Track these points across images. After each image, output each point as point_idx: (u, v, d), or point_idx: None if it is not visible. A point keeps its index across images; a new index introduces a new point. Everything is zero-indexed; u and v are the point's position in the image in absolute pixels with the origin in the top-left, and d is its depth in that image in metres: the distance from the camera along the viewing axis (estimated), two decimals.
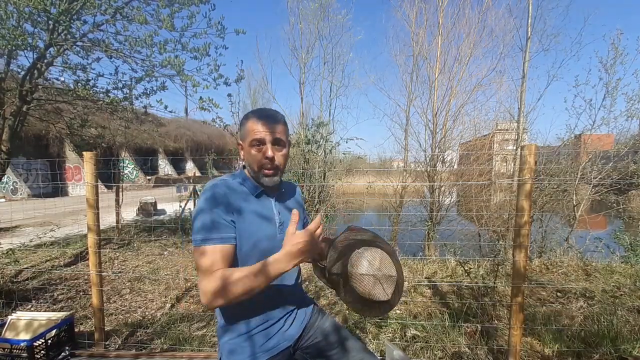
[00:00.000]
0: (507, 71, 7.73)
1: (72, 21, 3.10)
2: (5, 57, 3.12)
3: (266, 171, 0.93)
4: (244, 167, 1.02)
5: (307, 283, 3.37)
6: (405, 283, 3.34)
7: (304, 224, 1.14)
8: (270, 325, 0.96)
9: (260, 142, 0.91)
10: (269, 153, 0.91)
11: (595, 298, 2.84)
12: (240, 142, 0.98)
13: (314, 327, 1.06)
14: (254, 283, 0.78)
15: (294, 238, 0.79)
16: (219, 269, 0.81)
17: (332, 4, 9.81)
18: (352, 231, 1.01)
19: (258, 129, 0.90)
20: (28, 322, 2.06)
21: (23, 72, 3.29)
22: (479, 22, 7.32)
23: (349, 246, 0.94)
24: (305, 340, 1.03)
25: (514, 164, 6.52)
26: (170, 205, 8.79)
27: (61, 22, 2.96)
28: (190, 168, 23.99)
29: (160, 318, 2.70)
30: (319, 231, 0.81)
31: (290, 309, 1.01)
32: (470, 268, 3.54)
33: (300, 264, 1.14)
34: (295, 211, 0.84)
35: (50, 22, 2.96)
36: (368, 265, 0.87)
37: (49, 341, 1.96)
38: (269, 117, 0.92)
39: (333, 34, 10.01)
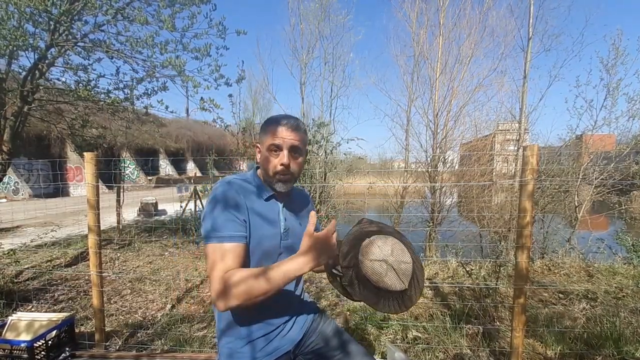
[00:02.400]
0: (509, 71, 7.69)
1: (73, 22, 3.11)
2: (7, 57, 3.13)
3: (280, 176, 0.93)
4: (257, 168, 1.02)
5: (307, 284, 3.36)
6: None
7: None
8: (271, 330, 0.95)
9: (278, 148, 0.91)
10: (285, 160, 0.91)
11: (598, 299, 2.83)
12: (258, 145, 0.98)
13: (315, 331, 1.05)
14: (268, 285, 0.75)
15: (312, 239, 0.78)
16: (231, 269, 0.79)
17: (333, 5, 9.81)
18: (364, 224, 1.00)
19: (277, 135, 0.91)
20: (29, 322, 2.06)
21: (24, 73, 3.29)
22: (480, 23, 7.31)
23: (360, 237, 0.92)
24: (306, 344, 1.03)
25: (516, 165, 6.51)
26: (171, 205, 8.80)
27: (62, 22, 2.97)
28: (191, 168, 24.02)
29: (160, 319, 2.69)
30: (335, 235, 0.81)
31: (291, 312, 1.01)
32: (472, 269, 3.53)
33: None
34: (312, 213, 0.83)
35: (51, 22, 2.96)
36: (379, 251, 0.85)
37: (50, 342, 1.96)
38: (290, 125, 0.92)
39: (334, 34, 10.00)
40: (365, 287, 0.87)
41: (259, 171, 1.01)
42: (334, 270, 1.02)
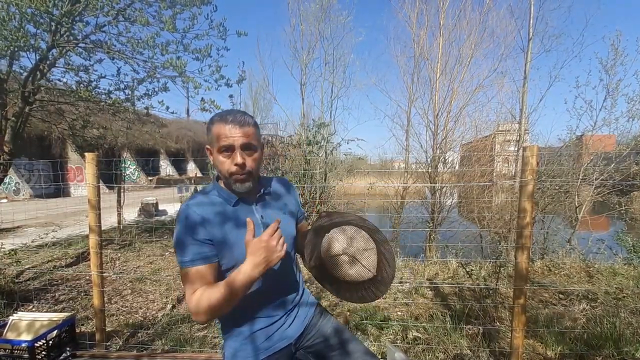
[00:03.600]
0: (509, 72, 7.67)
1: (74, 23, 3.12)
2: (8, 58, 3.14)
3: (237, 177, 0.89)
4: (217, 177, 0.98)
5: (307, 284, 3.36)
6: (407, 284, 3.33)
7: (297, 220, 1.10)
8: (271, 324, 0.96)
9: (229, 149, 0.86)
10: (239, 159, 0.86)
11: (598, 300, 2.83)
12: (209, 147, 0.93)
13: (315, 327, 1.06)
14: (228, 297, 0.78)
15: (252, 244, 0.79)
16: (197, 290, 0.82)
17: (333, 5, 9.84)
18: (322, 218, 0.96)
19: (225, 134, 0.85)
20: (29, 322, 2.07)
21: (25, 74, 3.30)
22: (480, 23, 7.33)
23: (319, 234, 0.89)
24: (306, 339, 1.03)
25: (516, 165, 6.51)
26: (172, 205, 8.81)
27: (63, 23, 2.98)
28: (192, 169, 24.04)
29: (161, 319, 2.70)
30: (276, 234, 0.80)
31: (290, 307, 1.01)
32: (472, 269, 3.53)
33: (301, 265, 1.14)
34: (249, 220, 0.82)
35: (52, 23, 2.97)
36: (337, 245, 0.82)
37: (50, 342, 1.96)
38: (237, 121, 0.86)
39: (334, 35, 10.04)
40: (335, 284, 0.84)
41: (219, 180, 0.97)
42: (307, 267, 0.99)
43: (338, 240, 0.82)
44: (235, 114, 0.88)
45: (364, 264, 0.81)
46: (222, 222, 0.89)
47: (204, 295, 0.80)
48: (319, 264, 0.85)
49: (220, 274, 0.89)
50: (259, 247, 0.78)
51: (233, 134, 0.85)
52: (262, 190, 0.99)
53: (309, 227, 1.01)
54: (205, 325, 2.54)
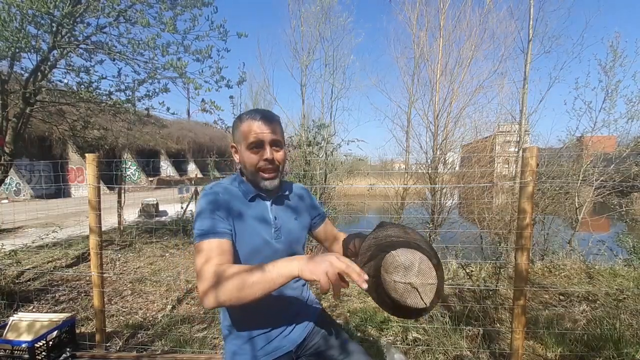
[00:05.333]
0: (509, 73, 7.67)
1: (75, 24, 3.13)
2: (9, 59, 3.15)
3: (266, 174, 0.91)
4: (241, 171, 1.00)
5: (308, 285, 3.36)
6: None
7: (312, 219, 1.11)
8: (273, 329, 0.94)
9: (259, 144, 0.89)
10: (268, 155, 0.89)
11: (598, 301, 2.83)
12: (234, 145, 0.95)
13: (318, 332, 1.04)
14: (261, 281, 0.67)
15: (328, 256, 0.68)
16: (214, 263, 0.75)
17: (334, 7, 9.82)
18: (386, 228, 0.92)
19: (255, 131, 0.88)
20: (30, 323, 2.07)
21: (26, 75, 3.32)
22: (480, 25, 7.32)
23: (382, 247, 0.86)
24: (308, 346, 1.02)
25: (516, 166, 6.50)
26: (172, 206, 8.81)
27: (65, 24, 2.99)
28: (192, 169, 24.07)
29: (161, 320, 2.70)
30: (357, 276, 0.68)
31: (293, 312, 1.00)
32: (472, 271, 3.53)
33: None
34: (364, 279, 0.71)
35: (53, 24, 2.99)
36: (403, 272, 0.79)
37: (50, 342, 1.96)
38: (266, 118, 0.90)
39: (334, 36, 10.02)
40: (383, 299, 0.83)
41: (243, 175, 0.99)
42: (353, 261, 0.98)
43: (406, 268, 0.79)
44: (263, 112, 0.92)
45: (422, 296, 0.79)
46: (238, 213, 0.90)
47: (235, 272, 0.70)
48: (373, 276, 0.83)
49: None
50: (324, 258, 0.67)
51: (263, 130, 0.88)
52: (280, 192, 1.01)
53: (358, 236, 0.97)
54: (205, 326, 2.54)
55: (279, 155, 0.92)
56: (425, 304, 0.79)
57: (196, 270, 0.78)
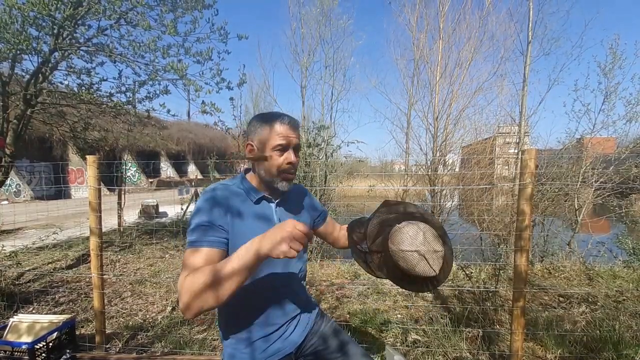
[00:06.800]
0: (508, 75, 7.67)
1: (76, 26, 3.15)
2: (10, 60, 3.16)
3: (287, 175, 0.93)
4: (246, 170, 1.01)
5: (307, 287, 3.36)
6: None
7: (314, 220, 1.14)
8: (272, 331, 0.94)
9: (285, 147, 0.91)
10: (293, 159, 0.91)
11: (598, 303, 2.83)
12: (251, 143, 0.94)
13: (317, 333, 1.04)
14: (226, 277, 0.68)
15: (280, 224, 0.71)
16: (187, 274, 0.74)
17: (334, 9, 9.86)
18: (391, 204, 0.95)
19: (284, 134, 0.90)
20: (30, 324, 2.07)
21: (28, 76, 3.33)
22: (480, 27, 7.34)
23: (388, 222, 0.89)
24: (307, 347, 1.02)
25: (516, 168, 6.51)
26: (172, 207, 8.82)
27: (66, 27, 3.01)
28: (192, 171, 24.08)
29: (161, 321, 2.70)
30: (303, 234, 0.69)
31: (293, 314, 0.99)
32: (472, 272, 3.53)
33: (306, 266, 1.15)
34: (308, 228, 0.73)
35: (55, 27, 3.00)
36: (411, 241, 0.82)
37: (50, 344, 1.96)
38: (293, 123, 0.93)
39: (335, 38, 10.05)
40: (393, 272, 0.85)
41: (248, 175, 0.99)
42: (359, 247, 0.96)
43: (412, 237, 0.83)
44: (290, 117, 0.94)
45: (430, 264, 0.82)
46: (242, 214, 0.90)
47: (196, 275, 0.70)
48: (382, 250, 0.86)
49: None
50: (282, 228, 0.69)
51: (290, 134, 0.91)
52: (285, 194, 1.01)
53: (360, 221, 1.00)
54: (205, 327, 2.55)
55: (296, 160, 0.95)
56: (435, 271, 0.82)
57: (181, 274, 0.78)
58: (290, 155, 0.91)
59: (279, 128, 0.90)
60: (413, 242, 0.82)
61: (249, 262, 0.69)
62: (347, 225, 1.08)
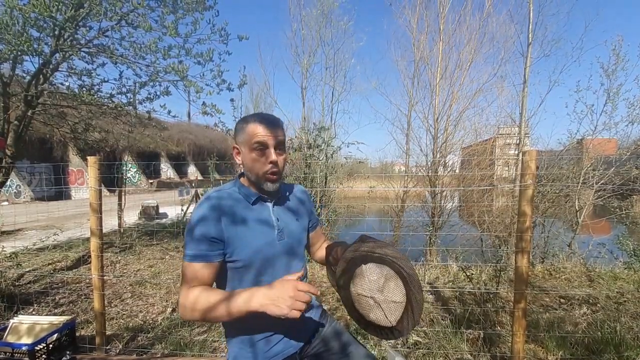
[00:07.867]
0: (509, 76, 7.70)
1: (77, 27, 3.15)
2: (11, 62, 3.17)
3: (270, 176, 0.91)
4: (241, 174, 1.00)
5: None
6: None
7: (310, 223, 1.13)
8: (275, 332, 0.94)
9: (264, 146, 0.89)
10: (273, 157, 0.89)
11: (599, 304, 2.82)
12: (237, 146, 0.95)
13: (320, 334, 1.04)
14: (216, 312, 0.78)
15: (282, 282, 0.77)
16: (195, 287, 0.83)
17: (335, 11, 9.86)
18: (365, 242, 0.92)
19: (261, 133, 0.88)
20: (30, 326, 2.06)
21: (29, 77, 3.33)
22: (480, 28, 7.36)
23: (355, 261, 0.87)
24: (311, 347, 1.02)
25: (516, 169, 6.51)
26: (172, 208, 8.82)
27: (67, 28, 3.01)
28: (193, 172, 24.08)
29: (161, 322, 2.70)
30: (304, 295, 0.74)
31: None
32: (473, 273, 3.53)
33: (307, 265, 1.15)
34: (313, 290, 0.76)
35: (56, 28, 3.01)
36: (368, 285, 0.79)
37: (51, 345, 1.96)
38: (271, 121, 0.91)
39: (335, 40, 10.04)
40: (351, 312, 0.86)
41: (242, 178, 0.99)
42: (333, 269, 0.98)
43: (371, 281, 0.79)
44: (268, 115, 0.94)
45: (386, 314, 0.79)
46: (240, 219, 0.90)
47: (202, 297, 0.80)
48: (343, 287, 0.86)
49: (222, 273, 0.91)
50: (284, 290, 0.75)
51: (268, 132, 0.89)
52: (281, 194, 1.02)
53: (341, 245, 0.99)
54: (205, 329, 2.54)
55: (281, 158, 0.93)
56: (390, 322, 0.79)
57: (180, 286, 0.87)
58: (270, 154, 0.89)
59: (255, 128, 0.89)
60: (371, 287, 0.79)
61: (242, 312, 0.78)
62: (328, 244, 1.09)
